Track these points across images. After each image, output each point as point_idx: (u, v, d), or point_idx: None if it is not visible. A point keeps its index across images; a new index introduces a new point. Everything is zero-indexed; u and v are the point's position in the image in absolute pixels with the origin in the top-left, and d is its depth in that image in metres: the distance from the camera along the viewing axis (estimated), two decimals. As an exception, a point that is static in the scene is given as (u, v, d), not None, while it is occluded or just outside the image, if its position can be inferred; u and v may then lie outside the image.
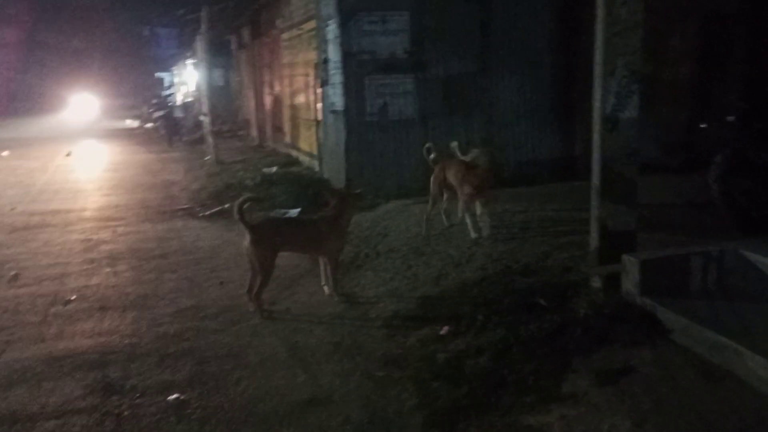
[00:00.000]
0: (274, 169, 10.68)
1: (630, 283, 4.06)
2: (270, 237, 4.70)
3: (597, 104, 4.23)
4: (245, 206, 4.69)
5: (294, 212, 7.54)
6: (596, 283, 4.28)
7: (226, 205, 8.27)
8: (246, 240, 4.65)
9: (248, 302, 4.74)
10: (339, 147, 8.45)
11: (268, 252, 4.67)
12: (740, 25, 8.51)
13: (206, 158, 13.43)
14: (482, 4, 8.16)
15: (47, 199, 9.74)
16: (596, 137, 4.26)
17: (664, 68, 8.55)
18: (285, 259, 5.51)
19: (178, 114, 20.15)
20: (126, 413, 3.48)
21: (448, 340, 4.02)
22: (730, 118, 5.60)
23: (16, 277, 5.81)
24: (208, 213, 8.23)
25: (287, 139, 13.14)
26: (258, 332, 4.45)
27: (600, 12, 4.15)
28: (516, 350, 3.71)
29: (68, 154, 15.52)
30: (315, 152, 10.09)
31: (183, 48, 27.05)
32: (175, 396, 3.62)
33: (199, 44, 16.23)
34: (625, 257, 4.10)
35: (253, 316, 4.67)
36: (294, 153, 12.42)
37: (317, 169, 9.95)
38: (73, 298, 5.26)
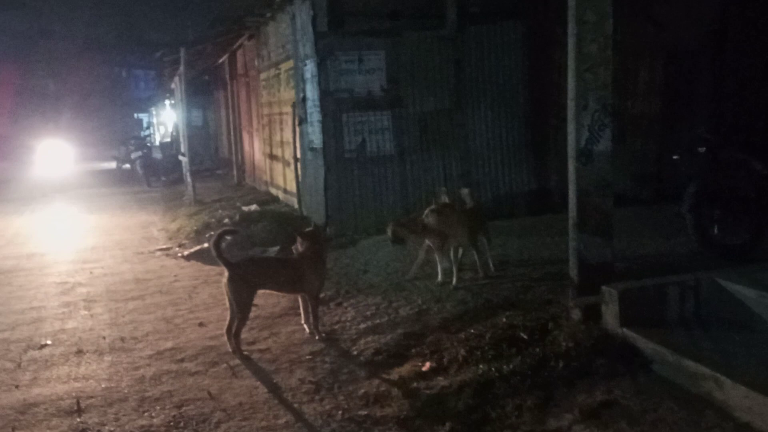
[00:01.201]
0: (254, 207, 10.66)
1: (610, 314, 4.09)
2: (248, 275, 4.66)
3: (571, 138, 4.32)
4: (223, 243, 4.64)
5: (273, 250, 7.51)
6: (576, 315, 4.30)
7: (205, 245, 8.22)
8: (224, 277, 4.62)
9: (228, 342, 4.68)
10: (318, 184, 8.48)
11: (246, 290, 4.62)
12: (704, 60, 8.81)
13: (185, 198, 13.37)
14: (456, 43, 8.35)
15: (21, 243, 9.60)
16: (572, 170, 4.33)
17: (635, 102, 8.78)
18: (264, 297, 5.48)
19: (156, 154, 20.10)
20: (102, 461, 3.39)
21: (430, 377, 4.00)
22: (701, 149, 5.74)
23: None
24: (186, 253, 8.16)
25: (266, 177, 13.16)
26: (237, 373, 4.38)
27: (571, 49, 4.27)
28: (498, 385, 3.70)
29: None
30: (294, 190, 10.11)
31: (161, 89, 27.13)
32: (153, 442, 3.53)
33: (177, 85, 16.31)
34: (604, 288, 4.14)
35: (233, 357, 4.60)
36: (273, 191, 12.42)
37: (296, 206, 9.95)
38: (49, 342, 5.15)
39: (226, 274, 4.58)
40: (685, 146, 6.20)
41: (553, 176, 8.62)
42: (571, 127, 4.33)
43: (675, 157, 6.51)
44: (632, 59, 8.60)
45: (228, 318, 4.68)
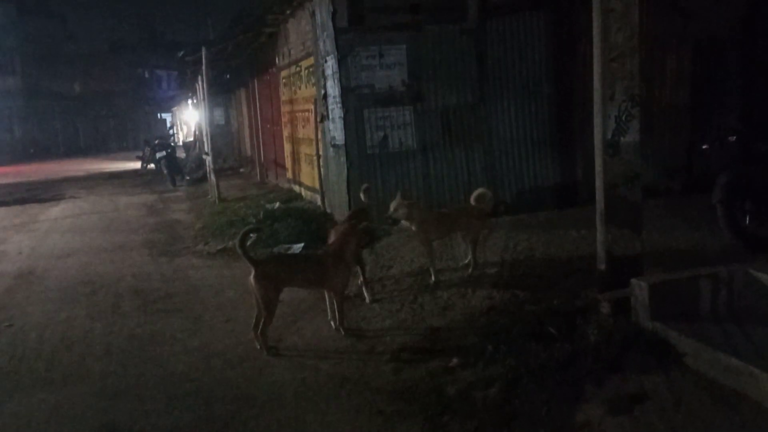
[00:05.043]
0: (277, 204, 10.70)
1: (639, 307, 4.02)
2: (274, 273, 4.67)
3: (598, 130, 4.25)
4: (248, 241, 4.66)
5: (297, 247, 7.53)
6: (605, 308, 4.24)
7: (229, 243, 8.27)
8: (251, 275, 4.63)
9: (254, 339, 4.70)
10: (341, 180, 8.48)
11: (272, 288, 4.63)
12: (733, 49, 8.62)
13: (209, 196, 13.47)
14: (478, 36, 8.27)
15: (50, 243, 9.75)
16: (599, 162, 4.27)
17: (663, 92, 8.63)
18: (290, 294, 5.50)
19: (180, 154, 20.27)
20: (133, 457, 3.43)
21: (457, 372, 3.97)
22: (732, 139, 5.62)
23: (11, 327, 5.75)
24: (211, 251, 8.22)
25: (289, 174, 13.20)
26: (265, 370, 4.40)
27: (597, 39, 4.19)
28: (527, 380, 3.66)
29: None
30: (317, 187, 10.13)
31: (183, 88, 27.38)
32: (182, 438, 3.56)
33: (200, 84, 16.44)
34: (633, 282, 4.08)
35: (260, 354, 4.62)
36: (296, 188, 12.46)
37: (320, 203, 9.97)
38: (78, 342, 5.21)
39: (253, 272, 4.60)
40: (715, 136, 6.07)
41: (579, 169, 8.52)
42: (597, 119, 4.26)
43: (705, 147, 6.38)
44: (660, 48, 8.45)
45: (255, 315, 4.69)
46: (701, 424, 3.12)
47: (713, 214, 5.64)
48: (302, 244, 7.62)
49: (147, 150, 21.52)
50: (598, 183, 4.30)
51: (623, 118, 4.22)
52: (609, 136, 4.23)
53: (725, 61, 8.66)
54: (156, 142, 19.71)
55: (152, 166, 20.21)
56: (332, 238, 5.11)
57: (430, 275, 5.83)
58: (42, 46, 41.90)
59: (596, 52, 4.22)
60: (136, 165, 22.81)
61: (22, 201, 15.42)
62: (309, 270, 4.88)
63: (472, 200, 6.06)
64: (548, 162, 8.58)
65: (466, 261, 6.04)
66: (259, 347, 4.66)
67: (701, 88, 8.63)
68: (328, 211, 9.40)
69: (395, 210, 5.77)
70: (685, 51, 8.67)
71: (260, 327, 4.64)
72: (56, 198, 15.84)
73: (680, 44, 8.64)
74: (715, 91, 8.58)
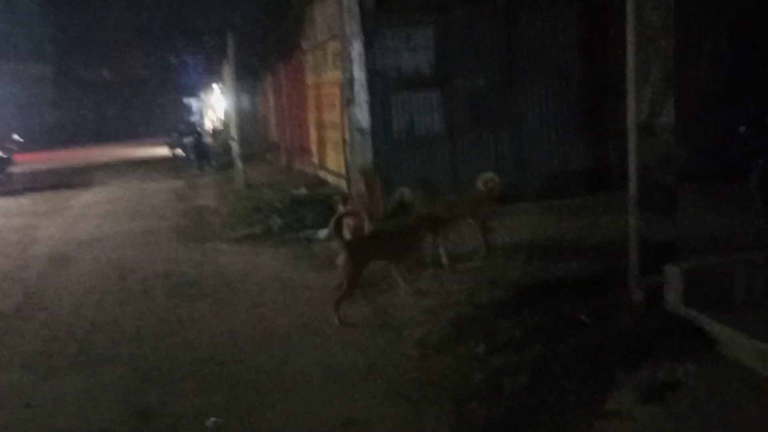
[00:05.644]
0: (303, 190, 10.72)
1: (673, 294, 3.94)
2: (364, 250, 5.07)
3: (631, 112, 4.15)
4: (342, 224, 5.10)
5: (323, 232, 7.52)
6: (637, 295, 4.17)
7: (256, 229, 8.31)
8: (341, 256, 4.91)
9: (335, 313, 4.84)
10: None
11: (360, 264, 4.95)
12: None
13: (235, 182, 13.56)
14: (507, 18, 8.13)
15: (81, 228, 9.90)
16: (632, 145, 4.18)
17: (698, 73, 8.39)
18: (317, 281, 5.51)
19: (207, 139, 20.40)
20: (163, 439, 3.47)
21: (484, 359, 3.94)
22: (769, 121, 5.45)
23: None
24: (238, 237, 8.27)
25: (315, 160, 13.21)
26: (291, 354, 4.41)
27: (630, 18, 4.08)
28: (555, 367, 3.61)
29: None
30: (343, 172, 10.10)
31: (210, 74, 27.51)
32: (212, 420, 3.59)
33: (226, 70, 16.48)
34: (666, 267, 3.99)
35: (287, 339, 4.64)
36: (322, 174, 12.46)
37: (346, 189, 9.96)
38: (109, 325, 5.29)
39: (344, 252, 4.86)
40: (753, 118, 5.90)
41: (610, 153, 8.34)
42: (630, 101, 4.16)
43: (741, 129, 6.20)
44: (696, 28, 8.21)
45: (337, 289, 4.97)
46: (735, 412, 3.06)
47: (749, 199, 5.49)
48: (326, 230, 7.61)
49: (174, 135, 21.70)
50: (631, 166, 4.21)
51: (657, 99, 4.11)
52: (642, 118, 4.13)
53: (764, 39, 8.39)
54: (183, 127, 19.86)
55: (180, 151, 20.40)
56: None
57: (442, 260, 5.82)
58: (71, 33, 42.39)
59: (629, 32, 4.11)
60: (164, 151, 23.04)
61: (53, 187, 15.68)
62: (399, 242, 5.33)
63: (479, 185, 6.01)
64: (579, 146, 8.44)
65: (480, 248, 5.96)
66: (337, 321, 4.80)
67: (738, 67, 8.38)
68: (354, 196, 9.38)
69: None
70: (722, 31, 8.42)
71: (337, 299, 4.87)
72: (86, 184, 16.07)
73: (717, 24, 8.39)
74: (753, 70, 8.33)
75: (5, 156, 15.95)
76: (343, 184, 10.25)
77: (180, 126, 21.99)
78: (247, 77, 21.50)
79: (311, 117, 13.07)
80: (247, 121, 22.61)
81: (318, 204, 8.86)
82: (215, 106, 32.27)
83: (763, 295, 4.02)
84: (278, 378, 4.07)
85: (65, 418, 3.76)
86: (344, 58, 9.07)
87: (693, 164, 7.80)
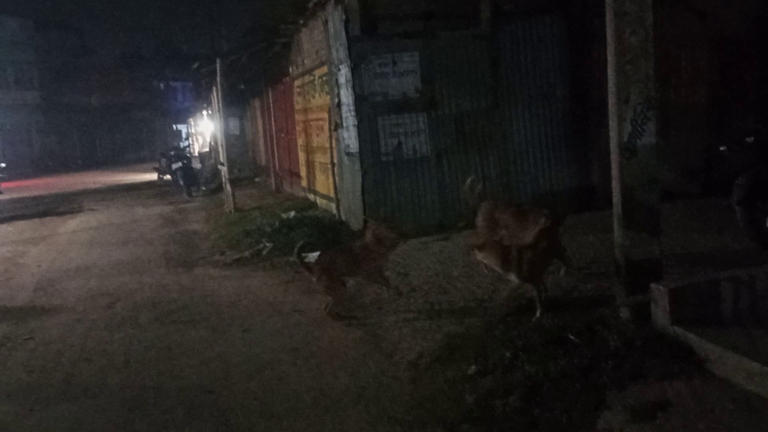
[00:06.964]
0: (292, 213, 10.72)
1: (660, 312, 3.96)
2: (330, 265, 5.52)
3: (614, 132, 4.21)
4: (302, 253, 5.69)
5: (313, 256, 7.50)
6: (625, 314, 4.19)
7: (245, 253, 8.30)
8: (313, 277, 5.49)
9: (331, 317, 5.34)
10: (356, 188, 8.48)
11: (330, 280, 5.43)
12: (750, 48, 8.52)
13: (225, 206, 13.54)
14: (491, 41, 8.25)
15: (69, 255, 9.84)
16: (615, 166, 4.23)
17: (679, 93, 8.54)
18: (307, 304, 5.49)
19: (196, 164, 20.38)
20: (152, 469, 3.43)
21: (475, 380, 3.93)
22: (750, 140, 5.54)
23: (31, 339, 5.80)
24: (228, 261, 8.24)
25: (304, 183, 13.23)
26: (283, 379, 4.39)
27: (611, 42, 4.16)
28: (546, 388, 3.61)
29: None
30: (332, 195, 10.13)
31: (198, 100, 27.59)
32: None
33: (214, 95, 16.54)
34: (653, 286, 4.02)
35: (277, 364, 4.62)
36: (311, 197, 12.48)
37: (335, 211, 9.97)
38: (97, 354, 5.24)
39: (311, 273, 5.51)
40: (734, 137, 5.99)
41: (595, 173, 8.45)
42: (613, 122, 4.22)
43: (723, 148, 6.29)
44: (675, 49, 8.37)
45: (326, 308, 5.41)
46: (725, 430, 3.06)
47: (732, 216, 5.56)
48: (318, 253, 7.60)
49: (163, 161, 21.68)
50: (615, 186, 4.25)
51: (639, 120, 4.17)
52: (625, 139, 4.18)
53: (742, 60, 8.56)
54: (172, 153, 19.84)
55: (168, 177, 20.35)
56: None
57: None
58: (59, 59, 42.49)
59: (610, 55, 4.19)
60: (153, 176, 23.00)
61: (40, 214, 15.59)
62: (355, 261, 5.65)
63: (465, 188, 6.28)
64: (564, 166, 8.53)
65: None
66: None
67: (718, 87, 8.53)
68: (343, 219, 9.40)
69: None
70: (702, 51, 8.58)
71: (329, 309, 5.41)
72: (74, 211, 15.99)
73: (697, 44, 8.56)
74: (733, 90, 8.48)
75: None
76: (332, 207, 10.27)
77: (168, 152, 21.97)
78: (236, 102, 21.59)
79: (300, 141, 13.12)
80: (235, 145, 22.67)
81: (308, 227, 8.87)
82: (204, 131, 32.31)
83: (749, 312, 4.05)
84: (268, 405, 4.04)
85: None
86: (332, 83, 9.16)
87: (676, 183, 7.92)
